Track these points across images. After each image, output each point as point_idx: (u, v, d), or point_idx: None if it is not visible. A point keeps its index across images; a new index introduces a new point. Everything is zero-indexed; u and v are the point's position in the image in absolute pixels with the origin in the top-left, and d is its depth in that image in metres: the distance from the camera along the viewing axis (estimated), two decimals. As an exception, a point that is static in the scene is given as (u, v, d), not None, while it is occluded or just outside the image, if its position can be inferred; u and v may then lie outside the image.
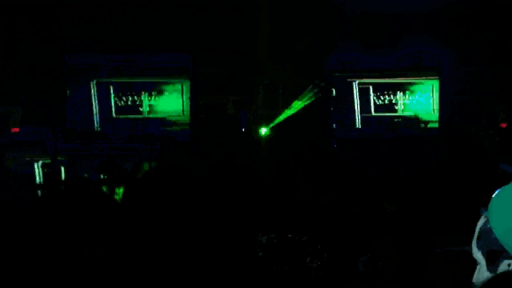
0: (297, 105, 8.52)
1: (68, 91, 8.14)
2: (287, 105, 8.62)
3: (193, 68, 8.33)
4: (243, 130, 8.68)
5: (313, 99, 8.44)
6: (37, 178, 7.76)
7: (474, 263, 4.12)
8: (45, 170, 7.78)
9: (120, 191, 6.62)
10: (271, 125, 8.56)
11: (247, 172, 4.68)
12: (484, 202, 4.42)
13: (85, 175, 7.46)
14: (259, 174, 5.02)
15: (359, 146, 8.43)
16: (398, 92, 8.59)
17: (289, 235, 4.14)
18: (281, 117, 8.60)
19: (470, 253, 4.37)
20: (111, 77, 8.25)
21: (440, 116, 8.45)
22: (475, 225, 4.44)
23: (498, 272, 2.23)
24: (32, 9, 8.74)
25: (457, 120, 8.62)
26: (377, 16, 8.94)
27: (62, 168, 7.86)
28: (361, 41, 8.76)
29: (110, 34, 8.92)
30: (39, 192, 7.51)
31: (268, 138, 8.40)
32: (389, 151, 8.18)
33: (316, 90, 8.43)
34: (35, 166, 7.76)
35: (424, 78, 8.56)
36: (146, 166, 7.30)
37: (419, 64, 8.54)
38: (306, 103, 8.46)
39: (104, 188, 6.59)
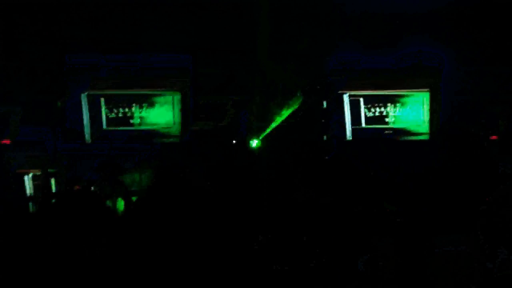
0: (290, 111, 8.48)
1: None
2: (281, 112, 8.60)
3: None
4: (234, 142, 8.63)
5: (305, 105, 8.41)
6: (28, 191, 7.71)
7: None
8: (35, 182, 7.73)
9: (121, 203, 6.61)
10: (263, 135, 8.53)
11: (247, 172, 4.68)
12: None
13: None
14: (259, 174, 5.02)
15: (359, 146, 8.42)
16: (389, 104, 8.61)
17: (289, 235, 4.14)
18: (274, 125, 8.55)
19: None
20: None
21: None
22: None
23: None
24: (32, 9, 8.72)
25: (457, 120, 8.62)
26: (377, 16, 8.93)
27: (53, 180, 7.82)
28: (361, 41, 8.75)
29: (110, 34, 8.91)
30: (30, 204, 7.48)
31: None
32: (389, 151, 8.18)
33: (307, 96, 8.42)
34: (26, 178, 7.72)
35: (417, 90, 8.58)
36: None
37: (419, 64, 8.54)
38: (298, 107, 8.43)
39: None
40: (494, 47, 9.17)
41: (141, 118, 8.28)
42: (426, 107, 8.53)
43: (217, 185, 4.38)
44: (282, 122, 8.48)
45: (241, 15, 8.89)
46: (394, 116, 8.62)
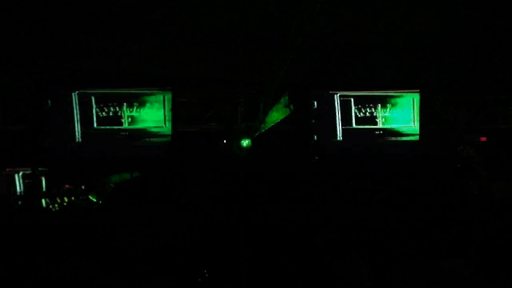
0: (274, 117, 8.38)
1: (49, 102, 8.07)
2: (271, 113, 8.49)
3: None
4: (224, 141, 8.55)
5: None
6: (18, 189, 7.72)
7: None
8: (26, 181, 7.76)
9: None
10: (254, 135, 8.44)
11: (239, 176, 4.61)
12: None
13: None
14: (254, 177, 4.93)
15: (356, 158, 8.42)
16: (380, 105, 8.69)
17: (287, 236, 4.04)
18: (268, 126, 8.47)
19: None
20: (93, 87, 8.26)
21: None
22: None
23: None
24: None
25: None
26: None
27: (43, 179, 7.79)
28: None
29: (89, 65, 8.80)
30: (19, 202, 7.46)
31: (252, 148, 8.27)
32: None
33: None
34: (16, 177, 7.72)
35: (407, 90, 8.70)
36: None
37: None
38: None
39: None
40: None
41: (131, 117, 8.25)
42: (416, 108, 8.65)
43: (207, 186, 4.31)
44: (276, 123, 8.41)
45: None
46: (384, 117, 8.69)
